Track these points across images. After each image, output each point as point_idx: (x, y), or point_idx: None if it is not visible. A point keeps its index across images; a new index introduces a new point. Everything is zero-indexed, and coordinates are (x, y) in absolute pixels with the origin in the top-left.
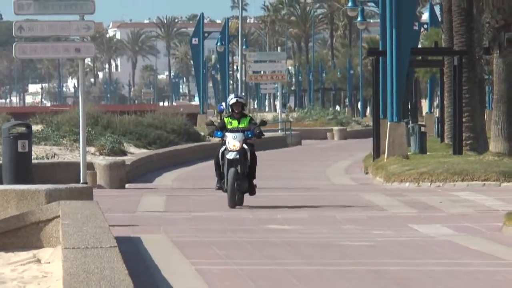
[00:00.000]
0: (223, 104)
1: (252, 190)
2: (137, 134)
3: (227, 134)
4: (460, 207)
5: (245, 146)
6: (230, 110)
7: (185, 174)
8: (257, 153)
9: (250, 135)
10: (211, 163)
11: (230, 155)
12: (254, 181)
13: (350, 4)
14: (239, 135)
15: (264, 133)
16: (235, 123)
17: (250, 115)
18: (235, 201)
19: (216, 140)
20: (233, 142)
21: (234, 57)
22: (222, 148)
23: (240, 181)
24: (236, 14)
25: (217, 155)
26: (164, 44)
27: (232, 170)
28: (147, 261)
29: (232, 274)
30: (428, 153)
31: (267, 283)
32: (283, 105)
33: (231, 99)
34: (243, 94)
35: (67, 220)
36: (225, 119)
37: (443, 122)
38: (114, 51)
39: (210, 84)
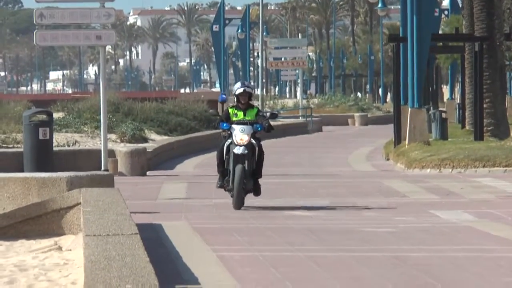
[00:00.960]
0: (225, 93)
1: (257, 190)
2: (158, 121)
3: (234, 126)
4: (481, 193)
5: (253, 140)
6: (235, 100)
7: (206, 161)
8: (277, 140)
9: (259, 128)
10: None
11: (238, 150)
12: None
13: None
14: (247, 128)
15: (283, 120)
16: (240, 114)
17: (257, 106)
18: (242, 202)
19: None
20: (240, 135)
21: (254, 44)
22: (227, 142)
23: (246, 179)
24: (257, 1)
25: (221, 149)
26: (184, 31)
27: (239, 167)
28: (169, 248)
29: (253, 260)
30: (449, 139)
31: (288, 269)
32: (304, 92)
33: (238, 88)
34: (250, 82)
35: (88, 207)
36: (229, 110)
37: (464, 108)
38: (135, 38)
39: (231, 71)
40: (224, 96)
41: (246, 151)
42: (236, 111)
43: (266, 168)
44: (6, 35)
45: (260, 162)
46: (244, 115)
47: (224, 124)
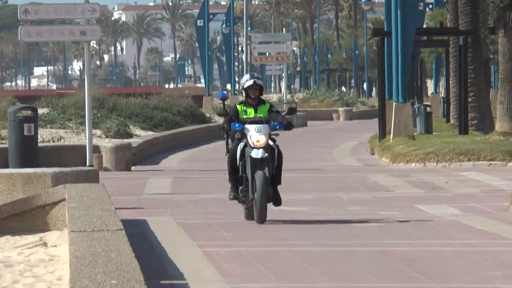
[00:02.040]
0: (226, 89)
1: (277, 199)
2: (143, 116)
3: (248, 126)
4: (466, 187)
5: (270, 141)
6: (244, 94)
7: (191, 156)
8: None
9: (278, 127)
10: (217, 144)
11: (256, 154)
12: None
13: None
14: (264, 127)
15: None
16: (251, 111)
17: (269, 101)
18: (265, 215)
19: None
20: (257, 136)
21: (239, 39)
22: (241, 145)
23: (267, 187)
24: None
25: (233, 154)
26: (169, 26)
27: (260, 173)
28: (154, 243)
29: (239, 255)
30: (434, 133)
31: (274, 264)
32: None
33: (246, 81)
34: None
35: (73, 203)
36: (238, 107)
37: (448, 102)
38: (120, 33)
39: (216, 66)
40: (225, 92)
41: (266, 155)
42: (245, 107)
43: None
44: None
45: (279, 167)
46: (256, 111)
47: (237, 125)
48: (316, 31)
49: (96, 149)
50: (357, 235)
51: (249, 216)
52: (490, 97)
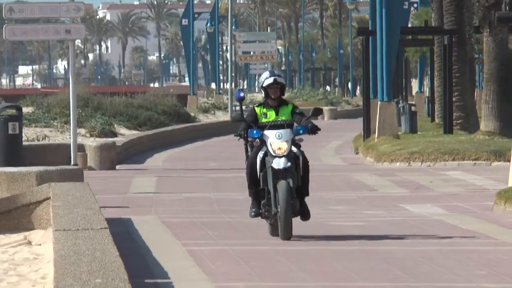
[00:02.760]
0: (242, 88)
1: (305, 213)
2: (127, 115)
3: (267, 132)
4: (451, 187)
5: (293, 148)
6: (263, 95)
7: (176, 155)
8: None
9: (301, 131)
10: (201, 144)
11: (278, 163)
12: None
13: None
14: (285, 132)
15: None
16: (271, 114)
17: (292, 102)
18: (291, 230)
19: (207, 120)
20: (278, 143)
21: (224, 38)
22: (261, 153)
23: (292, 200)
24: None
25: (252, 164)
26: (154, 25)
27: (283, 184)
28: (138, 242)
29: (223, 254)
30: (418, 132)
31: (258, 263)
32: None
33: (266, 79)
34: (233, 80)
35: (58, 202)
36: (256, 109)
37: (433, 102)
38: (104, 32)
39: (200, 65)
40: (242, 92)
41: (289, 164)
42: (265, 110)
43: (234, 162)
44: None
45: (305, 176)
46: (277, 114)
47: (254, 131)
48: (301, 30)
49: (80, 148)
50: (341, 234)
51: (274, 232)
52: (475, 97)
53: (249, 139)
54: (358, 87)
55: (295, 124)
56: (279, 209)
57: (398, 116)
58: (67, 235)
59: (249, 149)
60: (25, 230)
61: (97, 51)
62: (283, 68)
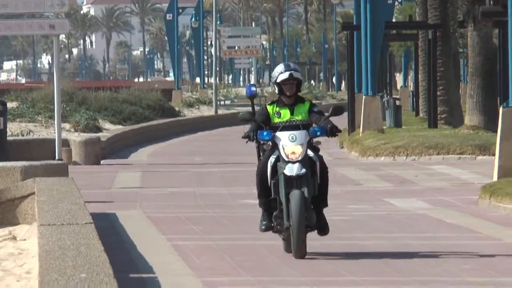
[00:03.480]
0: (254, 84)
1: (324, 227)
2: (112, 110)
3: (279, 134)
4: (435, 181)
5: (310, 152)
6: (277, 91)
7: (160, 150)
8: (230, 128)
9: (319, 133)
10: (186, 138)
11: (291, 170)
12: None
13: None
14: (300, 134)
15: (237, 108)
16: (285, 113)
17: (309, 99)
18: (305, 247)
19: (192, 115)
20: (291, 147)
21: (208, 33)
22: (272, 158)
23: (307, 211)
24: None
25: (262, 170)
26: (138, 20)
27: (297, 194)
28: (123, 237)
29: (208, 249)
30: (403, 127)
31: (243, 258)
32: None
33: (280, 74)
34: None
35: (43, 197)
36: (269, 108)
37: (417, 96)
38: (89, 27)
39: (185, 60)
40: (254, 88)
41: (303, 171)
42: (278, 109)
43: (219, 157)
44: None
45: (324, 184)
46: (292, 113)
47: (265, 133)
48: (286, 25)
49: (65, 143)
50: None
51: (288, 248)
52: (460, 91)
53: (260, 142)
54: (343, 82)
55: (313, 125)
56: (291, 223)
57: (382, 111)
58: (52, 230)
59: (262, 153)
60: (10, 225)
61: (82, 46)
62: (267, 62)
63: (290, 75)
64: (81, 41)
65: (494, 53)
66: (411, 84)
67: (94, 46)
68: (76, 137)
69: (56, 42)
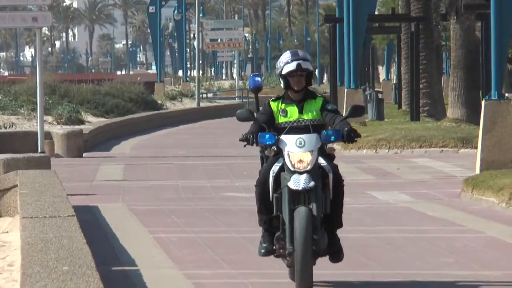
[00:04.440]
0: (259, 74)
1: (337, 252)
2: (94, 103)
3: (284, 138)
4: (418, 174)
5: (321, 161)
6: (283, 85)
7: (143, 143)
8: (213, 121)
9: (333, 137)
10: (168, 131)
11: (296, 183)
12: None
13: None
14: (309, 138)
15: (219, 101)
16: (293, 111)
17: (322, 94)
18: (311, 276)
19: (175, 107)
20: (299, 154)
21: (191, 25)
22: (275, 167)
23: (316, 233)
24: None
25: (262, 180)
26: (121, 12)
27: (303, 212)
28: (105, 230)
29: (190, 242)
30: (385, 119)
31: (225, 250)
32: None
33: (286, 64)
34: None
35: (25, 189)
36: (272, 105)
37: (400, 89)
38: (71, 20)
39: (168, 53)
40: (259, 79)
41: (311, 183)
42: (284, 106)
43: (201, 150)
44: None
45: (338, 200)
46: (301, 112)
47: (267, 136)
48: (268, 17)
49: (47, 136)
50: None
51: (294, 275)
52: (442, 84)
53: (261, 146)
54: (325, 75)
55: (326, 127)
56: (295, 247)
57: (365, 103)
58: (34, 222)
59: (265, 160)
60: None
61: (64, 39)
62: (250, 55)
63: (298, 65)
64: (64, 34)
65: (477, 46)
66: (393, 77)
67: (76, 39)
68: (58, 130)
69: (39, 35)
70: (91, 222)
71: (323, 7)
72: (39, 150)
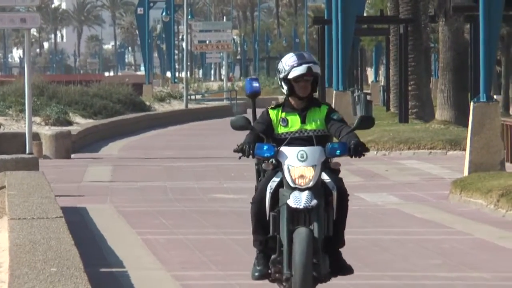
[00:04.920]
0: (257, 78)
1: (342, 267)
2: (82, 104)
3: (285, 150)
4: (406, 176)
5: (325, 177)
6: (285, 90)
7: (131, 144)
8: (202, 122)
9: (338, 151)
10: (157, 132)
11: (298, 200)
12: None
13: None
14: (312, 151)
15: (207, 103)
16: (294, 121)
17: (327, 102)
18: None
19: (163, 109)
20: (300, 168)
21: (179, 27)
22: (272, 183)
23: (316, 256)
24: None
25: (259, 198)
26: (109, 14)
27: (303, 233)
28: (93, 231)
29: (178, 243)
30: None
31: (213, 252)
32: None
33: (293, 68)
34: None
35: (13, 190)
36: (271, 113)
37: (388, 91)
38: (60, 21)
39: (156, 54)
40: (257, 84)
41: (314, 202)
42: (284, 114)
43: (189, 151)
44: None
45: (341, 222)
46: (303, 121)
47: (265, 147)
48: (257, 19)
49: (36, 137)
50: None
51: None
52: (431, 86)
53: (258, 158)
54: None
55: (331, 138)
56: (293, 272)
57: (353, 105)
58: (22, 223)
59: (262, 174)
60: None
61: (53, 40)
62: (238, 57)
63: (308, 69)
64: (52, 35)
65: (465, 48)
66: (382, 79)
67: (65, 40)
68: (46, 131)
69: (27, 36)
70: (79, 224)
71: (312, 8)
72: (27, 151)
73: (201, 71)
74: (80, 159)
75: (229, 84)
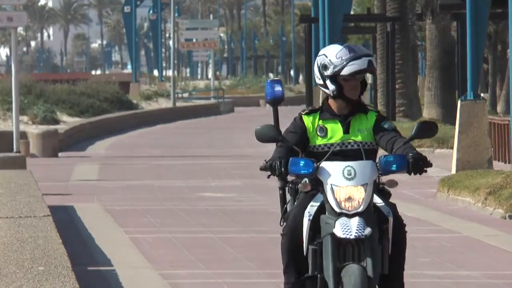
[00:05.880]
0: (279, 81)
1: None
2: (69, 102)
3: (326, 166)
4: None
5: (377, 200)
6: (330, 91)
7: (118, 142)
8: (189, 121)
9: (394, 166)
10: (144, 131)
11: (346, 228)
12: None
13: None
14: (362, 167)
15: (194, 101)
16: (336, 130)
17: (374, 108)
18: None
19: (150, 107)
20: (347, 189)
21: (166, 25)
22: (312, 208)
23: None
24: None
25: (293, 227)
26: (96, 12)
27: (355, 271)
28: (81, 230)
29: (166, 242)
30: None
31: (201, 250)
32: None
33: (348, 63)
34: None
35: (0, 189)
36: (306, 120)
37: (376, 89)
38: (46, 19)
39: (143, 53)
40: (280, 88)
41: (367, 231)
42: (322, 122)
43: (177, 150)
44: None
45: (399, 255)
46: (347, 131)
47: (302, 162)
48: (244, 17)
49: (23, 135)
50: None
51: None
52: (418, 84)
53: (290, 178)
54: (301, 75)
55: (381, 152)
56: None
57: None
58: (10, 222)
59: (289, 197)
60: None
61: (39, 39)
62: (225, 55)
63: (369, 63)
64: (39, 34)
65: (452, 46)
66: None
67: (51, 39)
68: (34, 130)
69: (14, 34)
70: (66, 222)
71: (299, 7)
72: (15, 150)
73: (188, 69)
74: (67, 157)
75: (216, 82)
